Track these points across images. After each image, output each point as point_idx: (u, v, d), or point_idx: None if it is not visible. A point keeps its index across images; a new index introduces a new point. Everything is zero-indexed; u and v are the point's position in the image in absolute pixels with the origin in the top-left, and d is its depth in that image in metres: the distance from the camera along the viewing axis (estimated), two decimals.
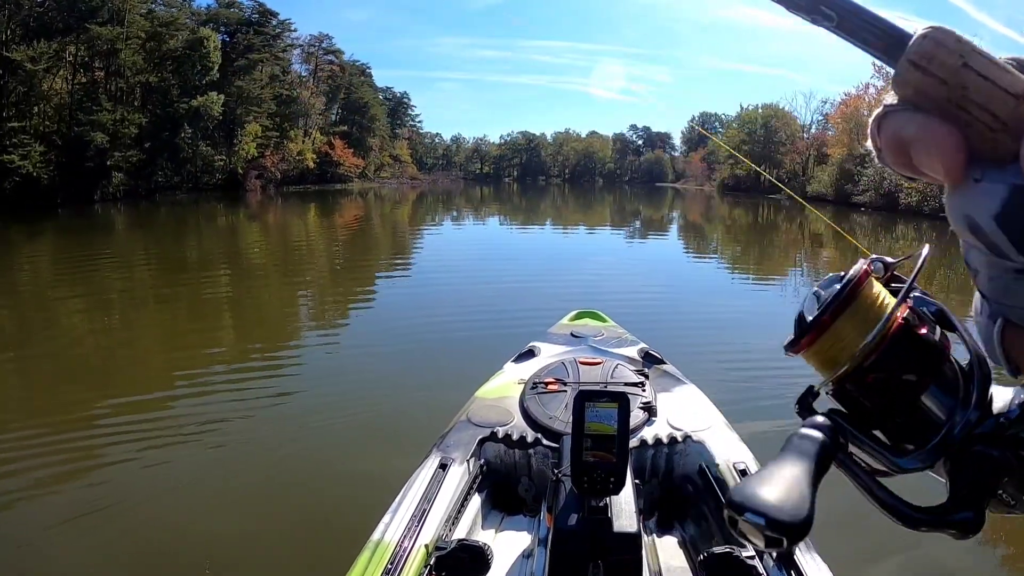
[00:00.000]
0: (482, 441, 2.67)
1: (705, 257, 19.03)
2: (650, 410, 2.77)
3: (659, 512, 2.63)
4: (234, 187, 34.30)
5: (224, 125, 34.02)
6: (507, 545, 2.37)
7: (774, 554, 1.90)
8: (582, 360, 3.18)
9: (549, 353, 3.47)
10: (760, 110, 58.83)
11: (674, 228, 29.77)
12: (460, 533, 2.27)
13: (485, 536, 2.44)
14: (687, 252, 20.29)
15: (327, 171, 46.39)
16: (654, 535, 2.49)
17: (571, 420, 1.86)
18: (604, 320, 4.20)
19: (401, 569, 1.90)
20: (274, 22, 40.05)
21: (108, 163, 24.13)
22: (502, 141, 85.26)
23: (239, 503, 4.04)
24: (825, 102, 55.11)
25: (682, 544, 2.45)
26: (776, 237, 25.04)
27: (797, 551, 1.89)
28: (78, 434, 4.95)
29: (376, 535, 2.04)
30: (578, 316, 4.27)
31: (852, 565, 3.19)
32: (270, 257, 15.73)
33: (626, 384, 2.93)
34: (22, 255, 14.35)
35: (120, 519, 3.80)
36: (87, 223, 20.01)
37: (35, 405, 5.53)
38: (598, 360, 3.19)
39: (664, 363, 3.38)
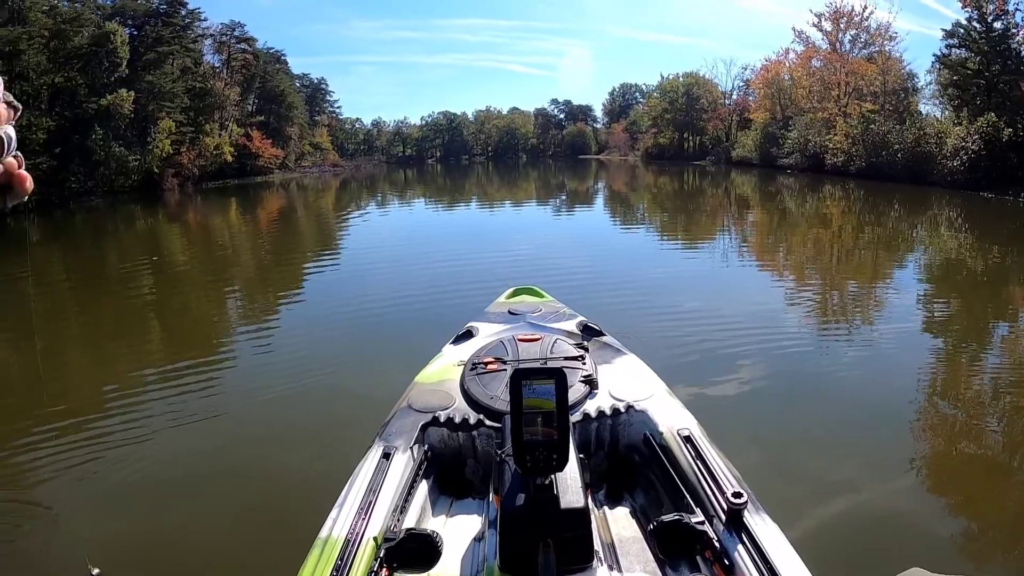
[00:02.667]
0: (424, 427, 2.63)
1: (635, 226, 19.57)
2: (591, 383, 2.77)
3: (607, 484, 2.63)
4: (151, 187, 32.72)
5: (136, 123, 32.21)
6: (458, 530, 2.35)
7: (724, 519, 1.91)
8: (521, 337, 3.18)
9: (487, 332, 3.47)
10: (681, 78, 59.56)
11: (601, 199, 30.38)
12: (409, 522, 2.24)
13: (435, 522, 2.43)
14: (617, 222, 20.79)
15: (246, 164, 44.77)
16: (604, 507, 2.49)
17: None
18: (542, 296, 4.24)
19: (351, 565, 1.85)
20: (183, 12, 37.89)
21: None
22: (423, 123, 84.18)
23: (182, 513, 3.94)
24: (745, 68, 56.06)
25: (633, 513, 2.45)
26: (703, 202, 25.57)
27: (745, 513, 1.89)
28: (11, 449, 4.84)
29: (324, 532, 1.99)
30: (515, 293, 4.29)
31: (800, 520, 3.26)
32: (194, 258, 15.29)
33: (566, 359, 2.93)
34: None
35: (58, 530, 3.81)
36: None
37: None
38: (537, 336, 3.19)
39: (603, 335, 3.42)
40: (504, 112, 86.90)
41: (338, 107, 72.90)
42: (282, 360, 6.82)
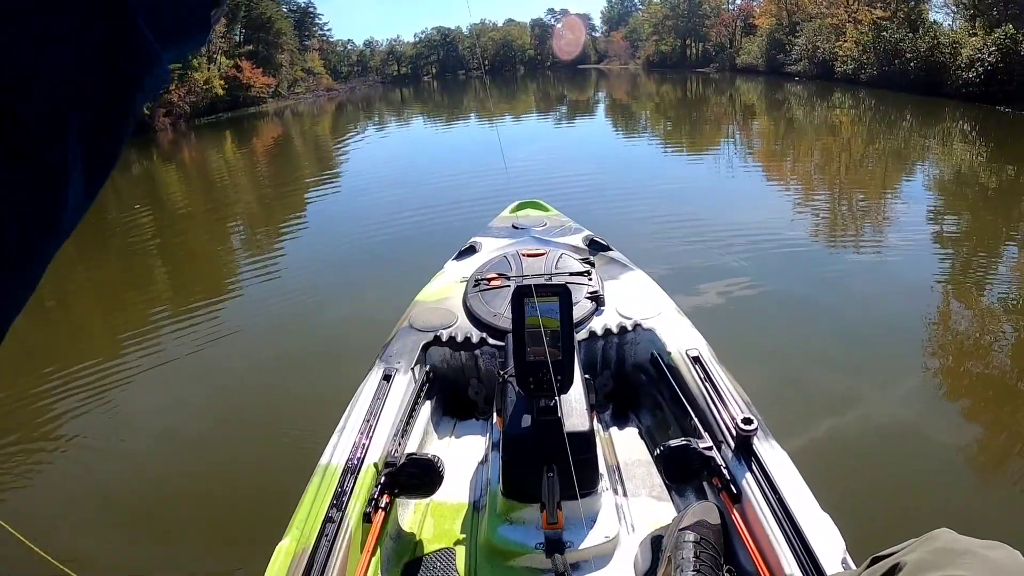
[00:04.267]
0: (426, 346, 2.59)
1: (639, 136, 19.29)
2: (597, 299, 2.71)
3: (614, 404, 2.62)
4: (143, 130, 31.84)
5: None
6: (461, 452, 2.37)
7: (732, 445, 1.87)
8: (525, 252, 3.10)
9: (491, 247, 3.39)
10: None
11: (602, 109, 29.96)
12: (411, 446, 2.23)
13: (438, 445, 2.45)
14: (620, 133, 20.45)
15: (238, 95, 43.55)
16: (611, 428, 2.49)
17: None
18: (547, 209, 4.11)
19: (351, 491, 1.81)
20: None
21: None
22: (417, 40, 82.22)
23: (185, 443, 4.06)
24: None
25: (639, 435, 2.44)
26: (707, 110, 25.17)
27: (755, 440, 1.84)
28: (25, 400, 4.89)
29: (324, 459, 1.94)
30: (520, 207, 4.17)
31: (809, 447, 3.26)
32: (193, 196, 15.12)
33: (571, 274, 2.86)
34: None
35: (75, 466, 3.93)
36: None
37: None
38: (542, 251, 3.11)
39: (610, 249, 3.33)
40: (499, 24, 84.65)
41: (328, 30, 70.90)
42: (283, 289, 6.84)
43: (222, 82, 41.45)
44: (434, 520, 2.07)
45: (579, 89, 45.36)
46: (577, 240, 3.40)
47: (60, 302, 7.67)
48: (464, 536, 1.99)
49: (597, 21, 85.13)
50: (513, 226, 3.73)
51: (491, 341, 2.56)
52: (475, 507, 2.09)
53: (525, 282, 1.89)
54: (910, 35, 25.29)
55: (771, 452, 1.82)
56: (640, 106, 29.48)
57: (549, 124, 23.90)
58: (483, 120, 26.67)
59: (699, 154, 14.52)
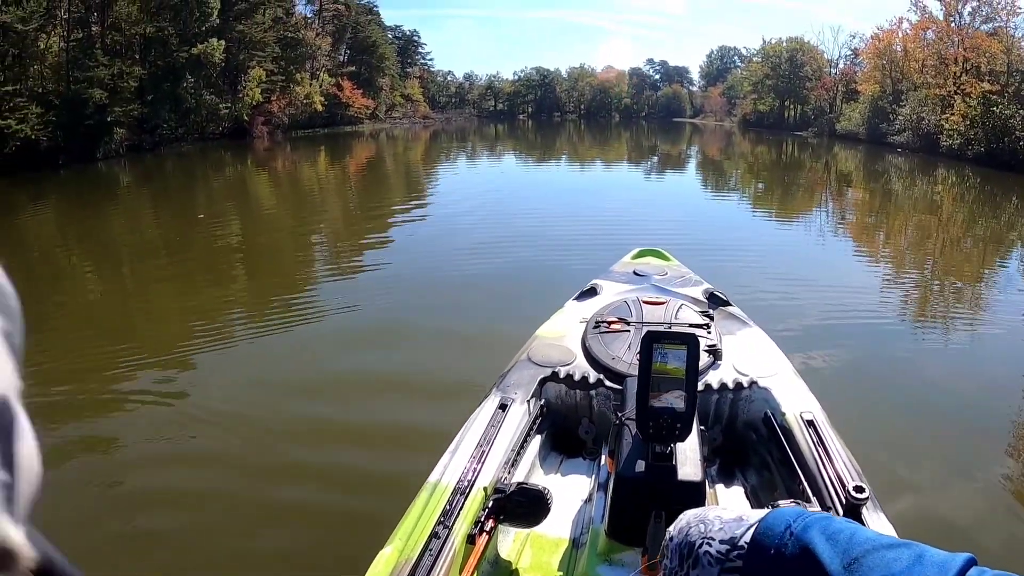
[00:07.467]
0: (543, 381, 2.65)
1: (729, 194, 19.14)
2: (715, 353, 2.71)
3: (721, 460, 2.60)
4: (240, 135, 33.32)
5: (227, 72, 32.82)
6: (566, 488, 2.39)
7: (841, 512, 1.83)
8: (645, 299, 3.14)
9: (612, 291, 3.43)
10: (785, 43, 56.20)
11: (694, 165, 30.03)
12: (519, 475, 2.27)
13: (544, 479, 2.47)
14: (710, 190, 20.13)
15: (336, 113, 45.09)
16: (718, 484, 2.47)
17: (636, 362, 1.83)
18: (667, 259, 4.13)
19: (459, 511, 1.86)
20: None
21: (108, 119, 22.77)
22: (516, 78, 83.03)
23: (289, 452, 3.99)
24: (854, 36, 53.11)
25: (746, 493, 2.42)
26: (803, 175, 25.03)
27: (864, 510, 1.80)
28: (97, 387, 4.91)
29: (434, 477, 2.00)
30: (640, 254, 4.21)
31: (915, 526, 3.07)
32: (283, 204, 15.46)
33: (691, 325, 2.86)
34: (25, 215, 13.68)
35: (154, 465, 3.89)
36: (90, 181, 19.31)
37: (49, 365, 5.21)
38: (662, 300, 3.15)
39: (729, 304, 3.32)
40: (598, 70, 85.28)
41: (430, 60, 72.90)
42: (398, 304, 6.85)
43: (322, 98, 42.86)
44: (532, 551, 2.10)
45: (671, 142, 45.33)
46: (697, 292, 3.41)
47: (141, 283, 7.79)
48: (560, 573, 2.01)
49: (695, 75, 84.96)
50: (634, 272, 3.76)
51: (607, 383, 2.58)
52: (575, 544, 2.10)
53: (647, 328, 1.94)
54: (1020, 112, 24.09)
55: (879, 524, 1.79)
56: (732, 165, 29.26)
57: (639, 174, 24.11)
58: (575, 164, 26.77)
59: (790, 219, 14.30)
